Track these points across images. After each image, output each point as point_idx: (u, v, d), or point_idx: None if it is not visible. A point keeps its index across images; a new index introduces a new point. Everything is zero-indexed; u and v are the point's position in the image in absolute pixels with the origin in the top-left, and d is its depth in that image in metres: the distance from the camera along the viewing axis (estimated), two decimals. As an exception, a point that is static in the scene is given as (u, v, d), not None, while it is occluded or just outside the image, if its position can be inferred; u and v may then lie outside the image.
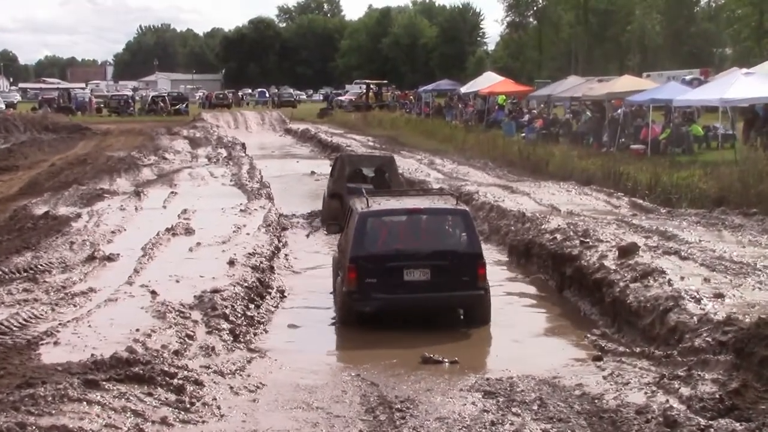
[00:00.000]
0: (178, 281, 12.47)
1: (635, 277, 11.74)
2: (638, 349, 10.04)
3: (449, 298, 11.54)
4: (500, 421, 7.61)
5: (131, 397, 7.63)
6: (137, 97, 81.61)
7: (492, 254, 16.57)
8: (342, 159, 20.25)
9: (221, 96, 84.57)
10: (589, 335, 11.28)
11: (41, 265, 13.38)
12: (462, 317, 12.01)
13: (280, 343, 10.92)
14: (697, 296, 10.52)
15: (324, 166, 29.31)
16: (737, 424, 7.09)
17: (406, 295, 11.43)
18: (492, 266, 15.29)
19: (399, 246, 11.62)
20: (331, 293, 13.12)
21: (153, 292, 11.67)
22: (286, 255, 16.06)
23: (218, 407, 7.94)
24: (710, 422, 7.18)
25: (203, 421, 7.58)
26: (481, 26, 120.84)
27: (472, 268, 11.52)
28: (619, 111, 33.57)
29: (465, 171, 28.92)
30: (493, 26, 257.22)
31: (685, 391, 7.98)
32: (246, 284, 12.50)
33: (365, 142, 40.86)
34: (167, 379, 8.10)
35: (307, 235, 18.57)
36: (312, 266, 15.43)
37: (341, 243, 12.73)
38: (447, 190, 15.13)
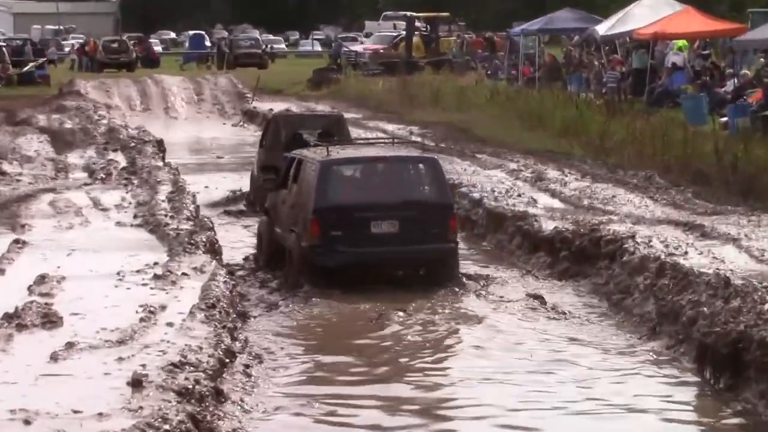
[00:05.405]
0: (27, 422, 10.10)
1: None
2: None
3: (419, 251, 15.31)
4: None
5: None
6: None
7: (664, 360, 13.76)
8: (276, 121, 23.29)
9: (115, 46, 63.55)
10: None
11: None
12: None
13: None
14: None
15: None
16: None
17: (374, 249, 15.22)
18: (668, 383, 13.49)
19: (365, 196, 15.67)
20: None
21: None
22: (246, 366, 13.34)
23: None
24: None
25: None
26: None
27: (443, 220, 15.52)
28: None
29: (607, 193, 22.69)
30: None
31: None
32: (165, 428, 10.28)
33: (406, 138, 32.57)
34: None
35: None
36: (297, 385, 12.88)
37: (283, 200, 16.27)
38: (405, 139, 18.82)
